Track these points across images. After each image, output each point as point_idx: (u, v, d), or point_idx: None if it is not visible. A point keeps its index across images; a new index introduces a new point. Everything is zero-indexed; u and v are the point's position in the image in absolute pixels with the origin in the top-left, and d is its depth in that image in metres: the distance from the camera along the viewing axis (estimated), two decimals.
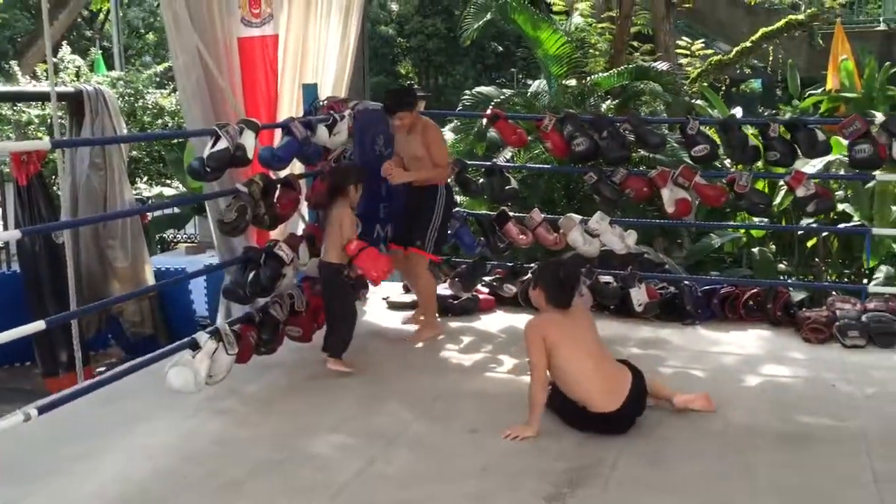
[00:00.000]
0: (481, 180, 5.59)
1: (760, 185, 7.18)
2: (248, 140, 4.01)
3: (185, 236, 11.67)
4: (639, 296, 5.15)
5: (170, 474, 3.31)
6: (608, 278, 5.42)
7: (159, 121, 12.05)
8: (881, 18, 13.40)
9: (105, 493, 3.15)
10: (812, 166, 7.22)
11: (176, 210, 10.74)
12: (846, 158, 4.97)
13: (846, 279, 8.83)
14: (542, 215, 5.34)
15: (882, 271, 7.69)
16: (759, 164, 6.51)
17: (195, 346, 3.80)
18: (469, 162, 5.92)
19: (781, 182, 7.88)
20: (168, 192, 11.29)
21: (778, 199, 8.15)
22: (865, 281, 8.50)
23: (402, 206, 5.20)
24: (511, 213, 5.40)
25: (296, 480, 3.24)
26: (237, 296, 4.18)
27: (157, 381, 3.72)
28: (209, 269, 5.94)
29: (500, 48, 22.51)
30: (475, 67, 22.72)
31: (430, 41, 22.29)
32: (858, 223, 8.08)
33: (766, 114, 13.16)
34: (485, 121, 8.86)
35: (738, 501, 2.99)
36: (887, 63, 10.55)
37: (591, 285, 5.26)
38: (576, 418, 3.58)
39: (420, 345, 4.96)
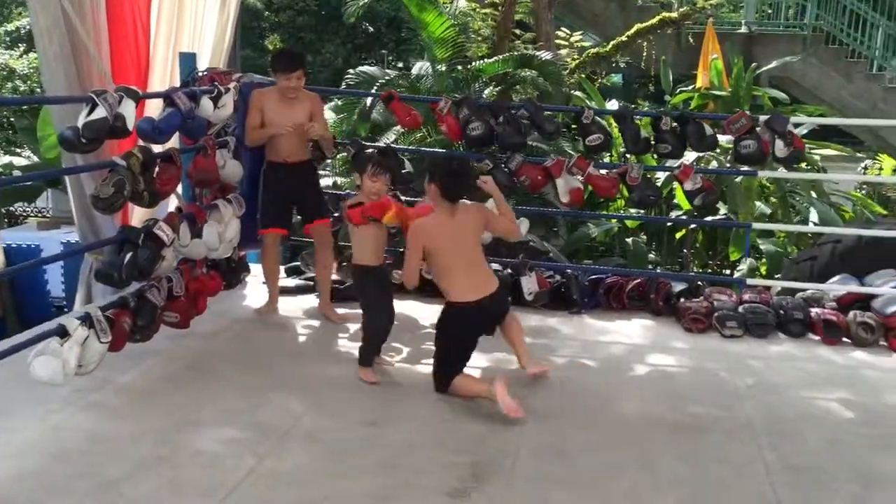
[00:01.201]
0: None
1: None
2: (128, 109, 3.69)
3: (35, 210, 10.81)
4: (529, 284, 5.13)
5: (38, 475, 2.98)
6: (497, 266, 5.38)
7: (9, 84, 11.11)
8: (743, 21, 14.09)
9: None
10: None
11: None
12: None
13: (710, 270, 9.25)
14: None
15: (745, 263, 8.09)
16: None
17: (63, 334, 3.46)
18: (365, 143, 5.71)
19: (659, 174, 8.19)
20: (19, 161, 10.41)
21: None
22: (728, 272, 8.94)
23: (282, 189, 4.86)
24: (402, 198, 5.25)
25: (181, 480, 3.00)
26: (111, 279, 3.84)
27: (17, 372, 3.37)
28: (76, 249, 5.46)
29: (372, 28, 22.24)
30: (346, 47, 22.34)
31: (299, 17, 21.72)
32: (725, 216, 8.46)
33: None
34: (368, 100, 8.79)
35: (641, 495, 3.00)
36: (753, 64, 11.09)
37: None
38: (445, 315, 3.95)
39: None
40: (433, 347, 4.48)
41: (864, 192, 11.66)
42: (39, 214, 10.24)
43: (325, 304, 5.00)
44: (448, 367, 3.84)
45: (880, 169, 13.88)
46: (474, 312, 3.87)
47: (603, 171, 5.08)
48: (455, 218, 3.88)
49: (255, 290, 5.55)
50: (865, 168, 13.70)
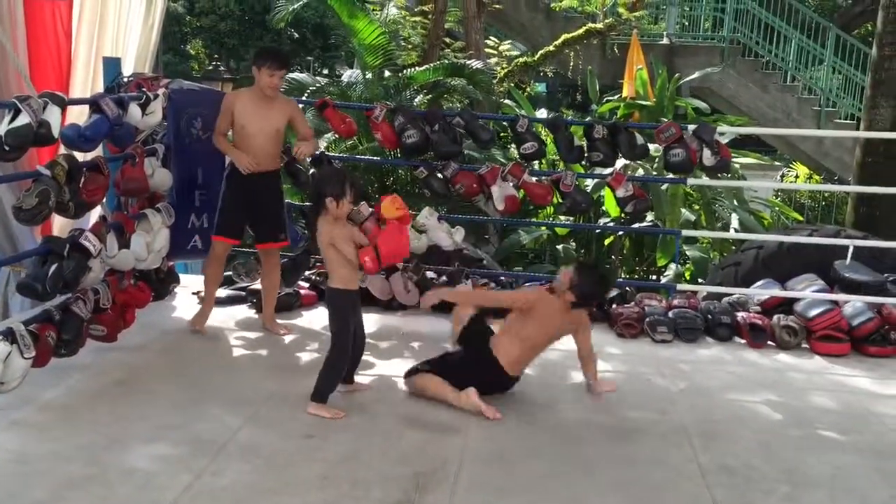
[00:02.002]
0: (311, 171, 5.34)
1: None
2: (53, 116, 3.54)
3: None
4: None
5: None
6: (433, 274, 5.39)
7: None
8: (665, 33, 14.49)
9: None
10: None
11: None
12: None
13: (638, 276, 9.45)
14: (370, 209, 5.19)
15: (672, 269, 8.29)
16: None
17: None
18: None
19: (587, 182, 8.32)
20: None
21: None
22: (655, 277, 9.15)
23: (242, 198, 4.57)
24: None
25: (113, 500, 2.88)
26: (35, 292, 3.68)
27: None
28: None
29: (297, 35, 22.02)
30: None
31: (222, 22, 21.33)
32: (651, 222, 8.66)
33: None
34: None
35: (583, 500, 3.02)
36: (676, 75, 11.41)
37: (418, 281, 5.20)
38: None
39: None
40: (369, 359, 4.47)
41: (780, 199, 12.10)
42: None
43: (269, 316, 4.86)
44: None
45: (796, 176, 14.44)
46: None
47: (535, 179, 5.14)
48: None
49: (184, 302, 5.41)
50: (782, 176, 14.23)
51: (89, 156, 4.33)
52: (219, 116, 4.49)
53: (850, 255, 5.39)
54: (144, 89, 4.62)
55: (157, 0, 5.90)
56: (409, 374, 3.98)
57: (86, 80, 5.51)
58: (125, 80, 5.01)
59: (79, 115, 4.86)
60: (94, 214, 5.08)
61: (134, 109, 4.31)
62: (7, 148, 3.41)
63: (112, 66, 5.29)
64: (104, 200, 4.83)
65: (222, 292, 5.42)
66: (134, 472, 3.09)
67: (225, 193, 4.59)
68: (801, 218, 10.94)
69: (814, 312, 5.05)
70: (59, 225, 5.08)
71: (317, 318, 5.23)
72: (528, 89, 18.02)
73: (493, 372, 3.88)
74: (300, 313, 5.29)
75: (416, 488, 3.05)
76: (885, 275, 5.47)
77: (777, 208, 10.55)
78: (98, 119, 4.00)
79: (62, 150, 4.19)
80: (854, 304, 5.14)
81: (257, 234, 4.74)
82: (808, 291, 5.30)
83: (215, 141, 4.53)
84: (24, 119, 3.40)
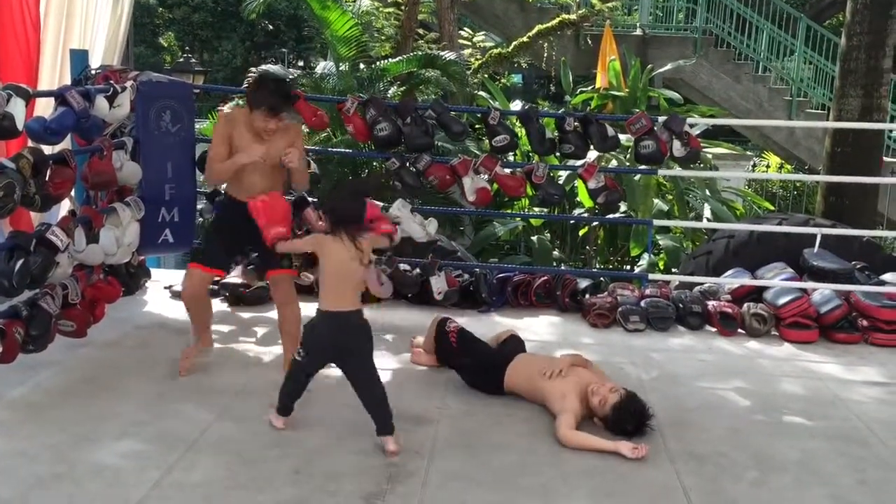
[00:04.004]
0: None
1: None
2: (17, 108, 3.49)
3: None
4: (438, 284, 5.15)
5: None
6: (406, 266, 5.38)
7: None
8: (637, 24, 14.56)
9: None
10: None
11: None
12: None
13: (612, 266, 9.51)
14: None
15: (645, 258, 8.35)
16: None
17: None
18: None
19: (561, 173, 8.35)
20: None
21: None
22: (629, 267, 9.21)
23: (238, 226, 3.98)
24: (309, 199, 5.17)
25: (82, 498, 2.86)
26: (1, 287, 3.62)
27: None
28: None
29: (271, 26, 21.89)
30: (244, 45, 21.93)
31: (195, 14, 21.16)
32: (624, 213, 8.70)
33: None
34: None
35: (553, 489, 3.04)
36: (650, 66, 11.46)
37: (391, 274, 5.19)
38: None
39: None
40: None
41: (752, 188, 12.23)
42: None
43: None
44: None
45: (767, 166, 14.58)
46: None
47: (508, 171, 5.14)
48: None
49: (156, 296, 5.37)
50: (754, 166, 14.37)
51: (56, 148, 4.25)
52: (212, 144, 3.94)
53: (818, 243, 5.45)
54: (112, 82, 4.56)
55: None
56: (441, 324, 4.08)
57: (53, 73, 5.44)
58: (93, 72, 4.95)
59: (45, 108, 4.80)
60: (64, 208, 5.03)
61: (101, 102, 4.25)
62: None
63: (79, 58, 5.22)
64: (73, 194, 4.79)
65: None
66: (102, 470, 3.07)
67: (214, 225, 4.14)
68: (772, 207, 11.05)
69: (783, 300, 5.10)
70: (34, 219, 5.02)
71: None
72: (504, 80, 18.06)
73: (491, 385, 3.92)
74: (272, 307, 5.24)
75: (387, 480, 3.05)
76: (853, 263, 5.54)
77: (749, 198, 10.65)
78: (64, 112, 3.94)
79: (30, 143, 4.14)
80: (822, 292, 5.20)
81: (262, 261, 4.23)
82: (777, 280, 5.36)
83: (210, 172, 3.99)
84: None
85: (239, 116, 3.95)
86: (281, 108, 3.81)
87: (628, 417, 3.50)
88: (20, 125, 3.55)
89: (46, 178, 3.83)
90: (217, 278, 4.72)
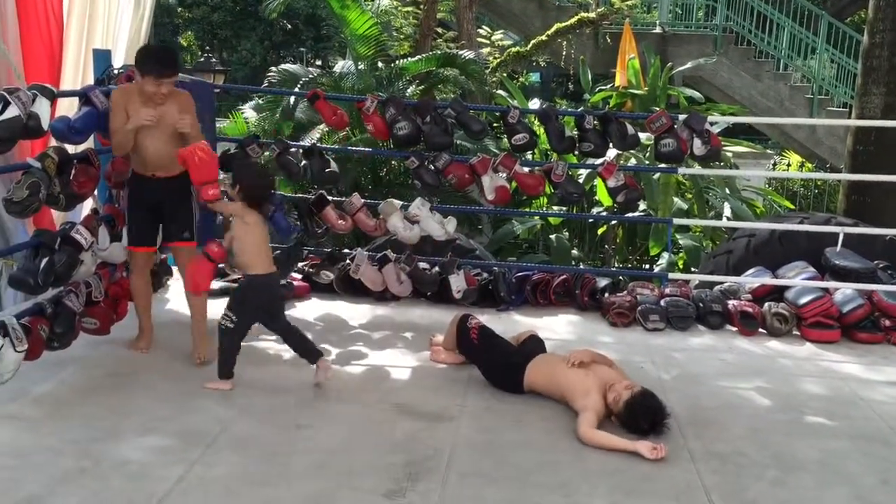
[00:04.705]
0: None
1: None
2: (43, 108, 3.54)
3: None
4: (458, 282, 5.16)
5: None
6: (425, 265, 5.40)
7: None
8: (657, 22, 14.49)
9: None
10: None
11: None
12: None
13: (631, 265, 9.48)
14: (362, 200, 5.20)
15: (664, 257, 8.32)
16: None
17: None
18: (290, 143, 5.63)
19: (580, 172, 8.34)
20: None
21: None
22: (648, 266, 9.18)
23: (147, 202, 4.18)
24: (329, 197, 5.21)
25: (107, 492, 2.89)
26: (27, 285, 3.68)
27: None
28: None
29: (290, 26, 21.96)
30: (262, 44, 22.01)
31: (214, 13, 21.28)
32: (644, 212, 8.67)
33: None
34: (292, 99, 8.68)
35: (574, 488, 3.04)
36: (669, 64, 11.41)
37: (410, 272, 5.21)
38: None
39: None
40: (361, 349, 4.50)
41: (772, 187, 12.14)
42: None
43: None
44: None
45: (788, 165, 14.46)
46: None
47: (527, 169, 5.15)
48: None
49: (177, 294, 5.40)
50: (774, 164, 14.26)
51: (80, 148, 4.30)
52: (111, 116, 3.99)
53: (840, 242, 5.41)
54: (135, 81, 4.59)
55: None
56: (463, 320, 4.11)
57: (76, 73, 5.49)
58: (115, 72, 4.99)
59: (68, 108, 4.85)
60: (87, 207, 5.08)
61: None
62: None
63: (102, 58, 5.27)
64: (95, 193, 4.84)
65: (214, 284, 5.42)
66: (127, 465, 3.10)
67: (128, 205, 4.21)
68: (792, 206, 10.97)
69: (804, 300, 5.07)
70: (57, 218, 5.08)
71: (310, 309, 5.24)
72: (522, 79, 18.03)
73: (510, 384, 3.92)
74: (293, 304, 5.30)
75: (407, 477, 3.06)
76: (875, 262, 5.50)
77: (769, 196, 10.58)
78: (87, 111, 3.99)
79: (53, 142, 4.19)
80: (844, 292, 5.17)
81: (166, 232, 4.28)
82: (798, 279, 5.32)
83: (115, 143, 4.03)
84: (13, 111, 3.39)
85: (132, 89, 4.06)
86: (167, 72, 3.93)
87: (642, 415, 3.49)
88: (46, 125, 3.60)
89: (70, 177, 3.88)
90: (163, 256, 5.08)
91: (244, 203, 3.78)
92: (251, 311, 3.79)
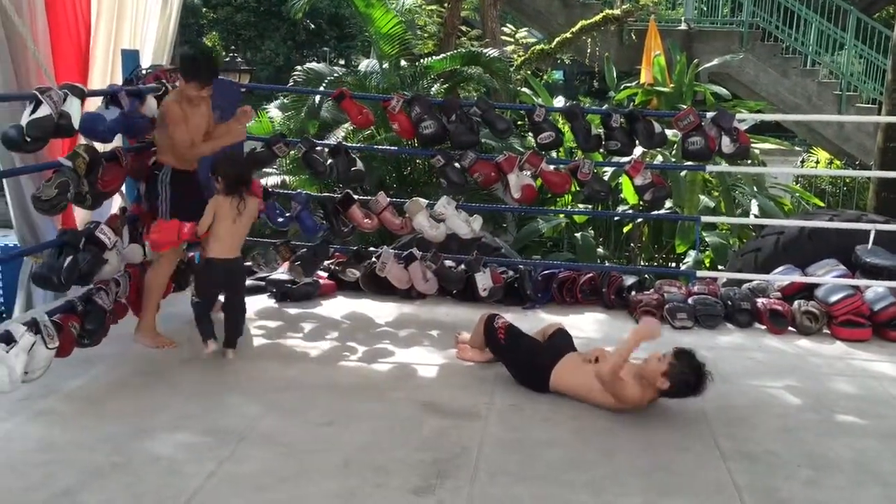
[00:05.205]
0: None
1: None
2: (73, 107, 3.58)
3: None
4: (484, 281, 5.15)
5: None
6: (451, 263, 5.39)
7: None
8: (682, 18, 14.38)
9: None
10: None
11: None
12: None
13: (657, 263, 9.41)
14: (388, 199, 5.20)
15: (691, 255, 8.25)
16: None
17: (9, 340, 3.36)
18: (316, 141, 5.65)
19: (606, 170, 8.29)
20: None
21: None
22: (674, 264, 9.11)
23: (190, 196, 4.34)
24: (355, 196, 5.22)
25: (139, 487, 2.92)
26: (51, 283, 3.71)
27: None
28: (14, 253, 5.29)
29: (313, 25, 22.00)
30: (286, 44, 22.06)
31: (238, 14, 21.36)
32: (670, 209, 8.61)
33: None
34: (317, 98, 8.71)
35: (604, 486, 3.02)
36: (695, 60, 11.32)
37: (436, 270, 5.21)
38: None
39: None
40: (388, 347, 4.50)
41: (800, 184, 11.99)
42: None
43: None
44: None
45: (816, 162, 14.30)
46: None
47: (552, 167, 5.12)
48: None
49: None
50: (802, 161, 14.10)
51: (108, 147, 4.35)
52: (175, 129, 4.13)
53: (871, 239, 5.33)
54: (163, 80, 4.65)
55: None
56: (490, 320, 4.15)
57: (104, 73, 5.54)
58: (143, 72, 5.04)
59: (96, 107, 4.90)
60: (115, 206, 5.13)
61: (151, 101, 4.34)
62: (29, 139, 3.45)
63: (130, 58, 5.31)
64: (124, 191, 4.88)
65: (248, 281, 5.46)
66: (159, 460, 3.13)
67: (173, 194, 4.28)
68: (821, 203, 10.84)
69: (835, 298, 5.01)
70: (81, 216, 5.13)
71: (336, 307, 5.26)
72: (546, 77, 17.98)
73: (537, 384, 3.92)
74: (319, 303, 5.32)
75: (436, 475, 3.06)
76: None
77: (797, 194, 10.46)
78: (114, 110, 4.03)
79: (81, 140, 4.23)
80: (875, 290, 5.10)
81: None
82: (828, 277, 5.26)
83: (193, 152, 4.25)
84: (44, 110, 3.43)
85: (178, 102, 4.18)
86: (210, 80, 4.18)
87: (687, 367, 3.62)
88: (76, 124, 3.64)
89: (97, 177, 3.92)
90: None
91: (225, 193, 4.10)
92: (209, 287, 4.28)
